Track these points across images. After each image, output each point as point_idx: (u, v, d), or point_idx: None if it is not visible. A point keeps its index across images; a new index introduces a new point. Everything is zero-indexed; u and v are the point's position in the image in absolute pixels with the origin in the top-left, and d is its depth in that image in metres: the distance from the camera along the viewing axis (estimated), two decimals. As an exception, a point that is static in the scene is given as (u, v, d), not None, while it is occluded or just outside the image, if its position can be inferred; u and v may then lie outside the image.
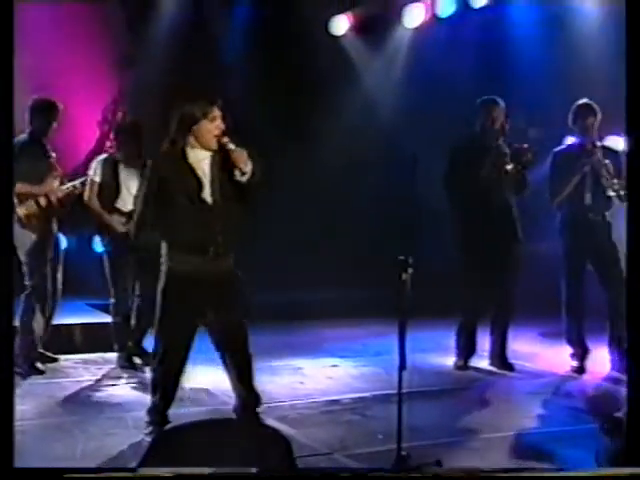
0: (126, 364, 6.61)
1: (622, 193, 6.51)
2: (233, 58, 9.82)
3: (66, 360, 6.78)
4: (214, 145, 4.73)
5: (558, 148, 6.82)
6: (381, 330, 7.34)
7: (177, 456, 2.67)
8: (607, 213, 6.71)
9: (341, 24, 10.45)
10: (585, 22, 8.59)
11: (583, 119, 6.58)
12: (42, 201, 6.27)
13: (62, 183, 6.48)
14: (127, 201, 6.62)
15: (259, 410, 4.98)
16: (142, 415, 5.09)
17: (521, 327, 7.52)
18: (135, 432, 4.95)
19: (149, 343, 6.74)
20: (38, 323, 6.35)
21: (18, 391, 5.49)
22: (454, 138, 6.95)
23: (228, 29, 9.98)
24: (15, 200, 6.03)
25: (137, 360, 6.67)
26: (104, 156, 6.77)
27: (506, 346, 6.81)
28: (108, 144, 7.06)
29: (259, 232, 6.78)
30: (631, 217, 3.34)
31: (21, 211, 6.12)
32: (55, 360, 6.69)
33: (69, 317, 7.23)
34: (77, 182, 6.55)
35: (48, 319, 6.46)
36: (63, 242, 6.98)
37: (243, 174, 4.68)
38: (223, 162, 4.74)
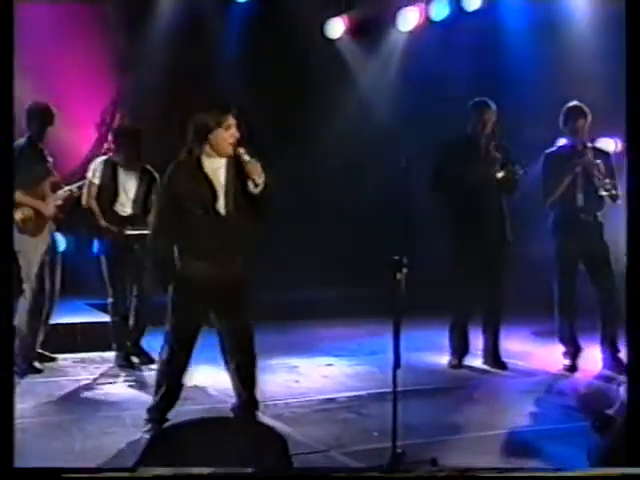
0: (124, 363, 6.61)
1: (614, 193, 6.55)
2: (229, 61, 9.80)
3: (65, 359, 6.77)
4: (230, 152, 4.76)
5: (549, 150, 6.83)
6: (376, 329, 7.35)
7: (174, 454, 2.66)
8: (599, 213, 6.73)
9: (337, 27, 10.46)
10: (577, 25, 8.60)
11: (574, 121, 6.60)
12: (39, 208, 6.26)
13: (59, 187, 6.47)
14: (125, 204, 6.63)
15: (257, 411, 4.99)
16: (140, 413, 5.09)
17: (514, 326, 7.54)
18: (133, 430, 4.95)
19: (147, 342, 6.78)
20: (36, 323, 6.33)
21: (17, 390, 5.48)
22: (445, 140, 6.94)
23: (224, 32, 9.98)
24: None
25: (135, 359, 6.67)
26: (103, 158, 6.75)
27: (499, 345, 6.82)
28: (106, 146, 7.04)
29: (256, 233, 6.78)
30: (631, 217, 3.33)
31: (17, 216, 6.10)
32: (53, 359, 6.69)
33: (68, 316, 7.23)
34: (74, 186, 6.55)
35: (46, 319, 6.46)
36: (62, 243, 6.97)
37: (256, 186, 4.71)
38: (237, 172, 4.78)
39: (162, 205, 4.84)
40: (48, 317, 6.49)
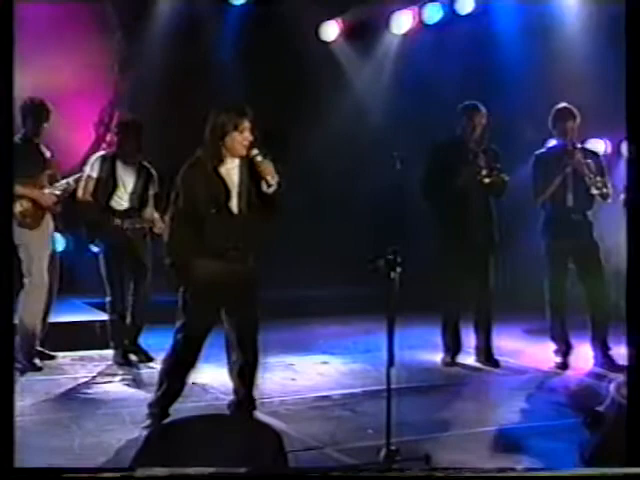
0: (122, 361, 6.60)
1: (605, 191, 6.58)
2: (225, 63, 9.80)
3: (64, 357, 6.75)
4: (243, 153, 4.79)
5: (539, 151, 6.86)
6: (371, 328, 7.35)
7: (171, 451, 2.66)
8: (588, 213, 6.76)
9: (331, 30, 10.46)
10: (568, 28, 8.62)
11: (563, 122, 6.63)
12: (36, 199, 6.25)
13: (56, 180, 6.46)
14: (123, 198, 6.62)
15: (254, 409, 5.01)
16: (138, 411, 5.10)
17: (506, 324, 7.56)
18: (131, 427, 4.94)
19: (144, 340, 6.78)
20: (37, 320, 6.33)
21: (16, 388, 5.47)
22: (434, 143, 6.93)
23: (220, 34, 9.98)
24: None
25: (133, 357, 6.67)
26: (102, 153, 6.75)
27: (491, 343, 6.82)
28: (104, 146, 7.04)
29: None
30: (631, 217, 3.33)
31: (16, 209, 6.09)
32: (52, 357, 6.67)
33: (67, 315, 7.22)
34: (70, 179, 6.52)
35: (44, 317, 6.45)
36: (60, 241, 6.96)
37: (269, 186, 4.74)
38: (251, 172, 4.81)
39: (178, 205, 4.82)
40: (47, 314, 6.48)
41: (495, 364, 6.72)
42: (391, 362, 4.35)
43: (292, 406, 5.59)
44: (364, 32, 10.30)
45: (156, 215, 6.64)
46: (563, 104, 6.69)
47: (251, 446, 2.74)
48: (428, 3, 9.80)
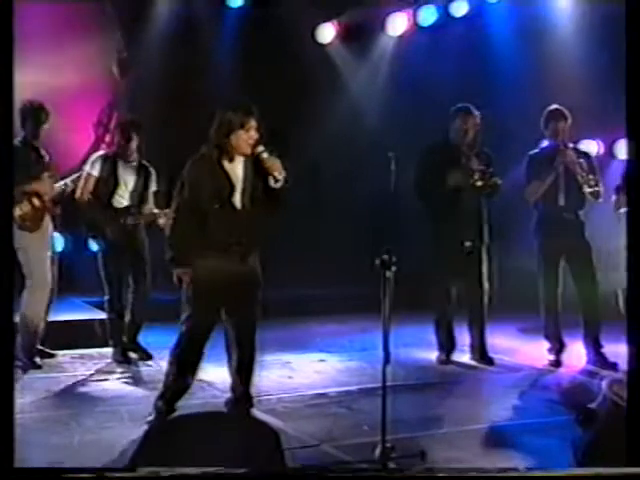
0: (121, 359, 6.60)
1: (597, 189, 6.60)
2: (222, 65, 9.80)
3: (63, 355, 6.75)
4: (248, 152, 4.80)
5: (532, 151, 6.88)
6: (367, 326, 7.35)
7: (169, 448, 2.66)
8: (580, 212, 6.78)
9: (327, 32, 10.47)
10: (562, 30, 8.63)
11: (555, 123, 6.66)
12: (36, 201, 6.25)
13: (56, 181, 6.45)
14: (123, 196, 6.62)
15: (251, 406, 5.01)
16: (137, 408, 5.11)
17: (500, 323, 7.57)
18: (130, 425, 4.94)
19: (143, 338, 6.78)
20: (39, 319, 6.33)
21: (17, 385, 5.47)
22: (426, 145, 6.91)
23: (218, 36, 9.98)
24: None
25: (132, 355, 6.67)
26: (102, 152, 6.75)
27: (485, 341, 6.82)
28: (103, 147, 7.04)
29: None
30: (631, 217, 3.34)
31: (15, 213, 6.09)
32: (52, 355, 6.67)
33: (66, 314, 7.22)
34: (68, 180, 6.52)
35: (44, 315, 6.45)
36: (60, 241, 6.95)
37: (277, 181, 4.75)
38: (256, 168, 4.82)
39: (183, 196, 4.82)
40: (46, 314, 6.48)
41: (490, 362, 6.73)
42: (387, 360, 4.36)
43: (289, 404, 5.59)
44: (360, 34, 10.31)
45: (156, 211, 6.65)
46: (555, 106, 6.72)
47: (248, 443, 2.74)
48: (423, 6, 9.82)
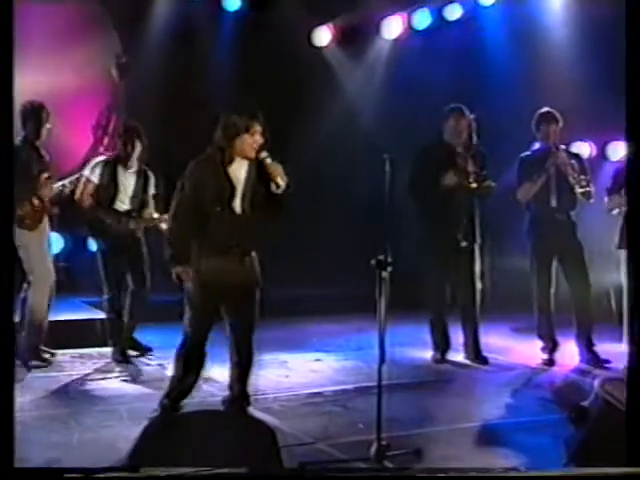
0: (120, 358, 6.59)
1: (588, 189, 6.62)
2: (219, 68, 9.80)
3: (63, 354, 6.74)
4: (252, 156, 4.79)
5: (524, 154, 6.89)
6: (362, 326, 7.36)
7: (166, 446, 2.66)
8: (572, 213, 6.79)
9: (323, 35, 10.48)
10: (555, 33, 8.64)
11: (546, 125, 6.67)
12: (35, 202, 6.25)
13: (54, 183, 6.45)
14: (124, 201, 6.61)
15: (248, 405, 5.02)
16: (136, 407, 5.10)
17: (494, 323, 7.59)
18: (129, 424, 4.93)
19: (142, 337, 6.77)
20: (43, 315, 6.32)
21: (17, 384, 5.46)
22: (420, 146, 6.91)
23: (215, 39, 9.99)
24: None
25: (132, 352, 6.67)
26: (102, 158, 6.73)
27: (479, 340, 6.83)
28: (102, 149, 7.02)
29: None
30: (631, 217, 3.35)
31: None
32: (52, 355, 6.66)
33: (66, 313, 7.21)
34: (66, 181, 6.51)
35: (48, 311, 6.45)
36: (58, 241, 6.94)
37: (278, 187, 4.74)
38: (259, 173, 4.81)
39: (184, 194, 4.81)
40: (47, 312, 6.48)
41: (484, 361, 6.73)
42: (382, 359, 4.36)
43: (286, 402, 5.59)
44: (355, 37, 10.32)
45: (156, 215, 6.65)
46: (546, 108, 6.74)
47: (245, 441, 2.74)
48: (417, 9, 9.84)
